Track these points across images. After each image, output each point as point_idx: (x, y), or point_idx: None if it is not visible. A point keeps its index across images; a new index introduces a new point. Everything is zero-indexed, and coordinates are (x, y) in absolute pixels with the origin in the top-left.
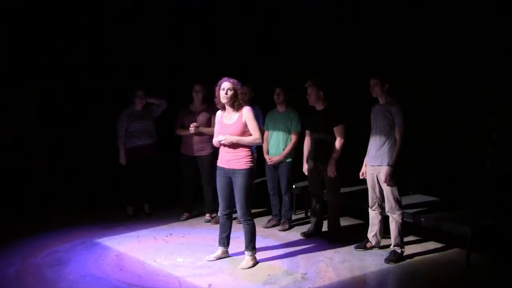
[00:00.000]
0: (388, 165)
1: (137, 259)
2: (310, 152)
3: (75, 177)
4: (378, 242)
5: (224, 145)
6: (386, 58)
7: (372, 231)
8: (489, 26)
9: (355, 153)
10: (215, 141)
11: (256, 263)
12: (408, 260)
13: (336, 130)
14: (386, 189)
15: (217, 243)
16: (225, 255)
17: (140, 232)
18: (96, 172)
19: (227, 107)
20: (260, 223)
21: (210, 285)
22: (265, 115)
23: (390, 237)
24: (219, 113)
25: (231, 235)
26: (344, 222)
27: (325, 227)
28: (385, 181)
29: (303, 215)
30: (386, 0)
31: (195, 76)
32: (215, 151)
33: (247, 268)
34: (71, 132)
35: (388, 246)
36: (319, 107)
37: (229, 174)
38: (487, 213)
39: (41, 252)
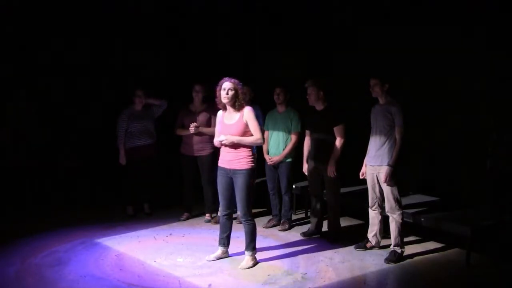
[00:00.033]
0: (388, 165)
1: (137, 259)
2: (310, 152)
3: (75, 177)
4: (378, 242)
5: (225, 145)
6: (386, 58)
7: (372, 231)
8: (489, 26)
9: (355, 153)
10: (216, 141)
11: (256, 263)
12: (408, 260)
13: (336, 130)
14: (386, 189)
15: (217, 243)
16: (225, 255)
17: (140, 232)
18: (96, 172)
19: (228, 107)
20: (260, 223)
21: (210, 285)
22: (265, 115)
23: (390, 237)
24: (220, 113)
25: (231, 235)
26: (344, 222)
27: (325, 227)
28: (385, 181)
29: (303, 215)
30: (386, 0)
31: (195, 76)
32: (215, 151)
33: (247, 268)
34: (71, 132)
35: (388, 246)
36: (319, 107)
37: (230, 174)
38: (487, 213)
39: (41, 252)
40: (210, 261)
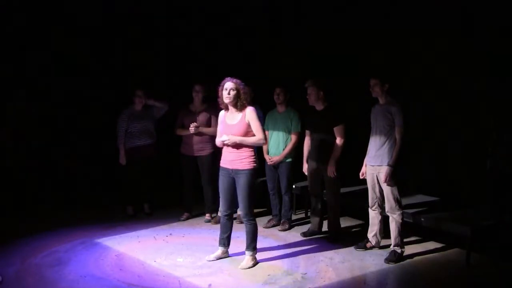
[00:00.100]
0: (388, 165)
1: (137, 259)
2: (310, 152)
3: (75, 177)
4: (378, 242)
5: (227, 145)
6: (386, 58)
7: (372, 231)
8: (489, 26)
9: (355, 153)
10: (218, 141)
11: (256, 263)
12: (408, 260)
13: (336, 130)
14: (386, 189)
15: (217, 243)
16: (225, 255)
17: (140, 232)
18: (96, 172)
19: (230, 107)
20: (260, 223)
21: (210, 285)
22: (265, 115)
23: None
24: (222, 113)
25: (231, 235)
26: (344, 222)
27: (325, 227)
28: (385, 181)
29: (303, 215)
30: (386, 0)
31: (195, 76)
32: (215, 151)
33: (247, 268)
34: (71, 132)
35: (388, 246)
36: (319, 107)
37: (232, 175)
38: (487, 213)
39: (41, 252)
40: (210, 261)
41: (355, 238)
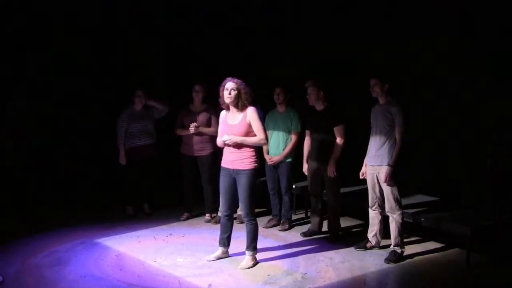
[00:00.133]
0: (388, 165)
1: (137, 259)
2: (310, 152)
3: (75, 177)
4: (378, 242)
5: (228, 145)
6: (386, 58)
7: (372, 231)
8: (489, 26)
9: (355, 153)
10: (219, 141)
11: (256, 263)
12: (408, 260)
13: (336, 130)
14: (386, 189)
15: (217, 243)
16: (225, 255)
17: (140, 232)
18: (96, 172)
19: (231, 107)
20: (260, 223)
21: (210, 285)
22: (265, 115)
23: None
24: (223, 113)
25: (231, 235)
26: (344, 222)
27: (325, 227)
28: (385, 181)
29: (303, 215)
30: (386, 0)
31: (195, 76)
32: (215, 151)
33: (247, 268)
34: (71, 132)
35: (388, 246)
36: (319, 107)
37: (233, 175)
38: (487, 213)
39: (41, 252)
40: (210, 261)
41: (355, 238)
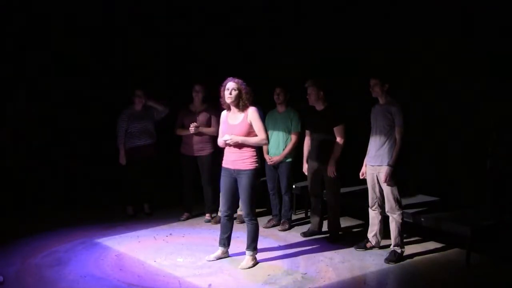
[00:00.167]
0: (388, 165)
1: (137, 259)
2: (310, 152)
3: (75, 177)
4: (378, 242)
5: (229, 145)
6: (386, 58)
7: (372, 231)
8: (489, 26)
9: (355, 153)
10: (220, 141)
11: (256, 263)
12: (408, 260)
13: (336, 130)
14: (386, 189)
15: (217, 243)
16: (225, 255)
17: (140, 232)
18: (96, 172)
19: (232, 107)
20: (260, 223)
21: (210, 285)
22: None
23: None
24: (224, 113)
25: (231, 235)
26: (344, 222)
27: (325, 227)
28: (385, 181)
29: (303, 215)
30: (386, 0)
31: (195, 76)
32: (215, 151)
33: (247, 268)
34: (71, 132)
35: (388, 246)
36: (319, 107)
37: (234, 175)
38: (487, 213)
39: (41, 252)
40: (210, 261)
41: (355, 238)
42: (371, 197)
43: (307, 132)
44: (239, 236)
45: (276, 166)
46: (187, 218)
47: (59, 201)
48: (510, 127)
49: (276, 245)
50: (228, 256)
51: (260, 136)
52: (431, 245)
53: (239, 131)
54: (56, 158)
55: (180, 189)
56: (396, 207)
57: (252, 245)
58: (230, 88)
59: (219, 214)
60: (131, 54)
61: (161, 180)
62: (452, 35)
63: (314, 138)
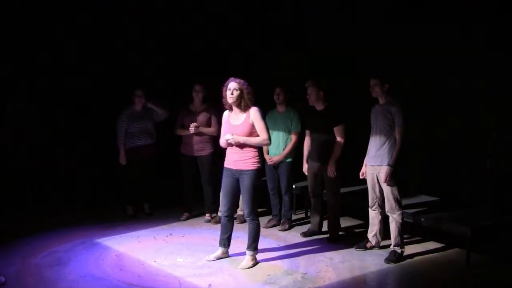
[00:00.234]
0: (388, 165)
1: (137, 259)
2: (310, 152)
3: (75, 177)
4: (378, 242)
5: (231, 145)
6: (386, 58)
7: (372, 231)
8: (489, 26)
9: (355, 153)
10: (222, 141)
11: (256, 263)
12: (408, 260)
13: (336, 130)
14: (386, 189)
15: (217, 243)
16: (225, 255)
17: (140, 232)
18: (96, 172)
19: (234, 107)
20: (260, 223)
21: (210, 285)
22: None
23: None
24: (226, 113)
25: (232, 235)
26: (344, 222)
27: (325, 227)
28: (385, 181)
29: (303, 215)
30: (386, 0)
31: (195, 76)
32: (215, 151)
33: (247, 268)
34: (71, 132)
35: (388, 246)
36: (319, 107)
37: (236, 175)
38: (487, 213)
39: (41, 252)
40: (210, 261)
41: (355, 238)
42: (371, 197)
43: (307, 132)
44: (239, 236)
45: (276, 166)
46: (187, 218)
47: (59, 201)
48: (510, 127)
49: (276, 245)
50: (228, 256)
51: (262, 136)
52: (431, 245)
53: (241, 131)
54: (56, 158)
55: (180, 189)
56: (396, 207)
57: (253, 245)
58: (232, 88)
59: (219, 214)
60: (131, 54)
61: (161, 180)
62: (452, 35)
63: (314, 138)
